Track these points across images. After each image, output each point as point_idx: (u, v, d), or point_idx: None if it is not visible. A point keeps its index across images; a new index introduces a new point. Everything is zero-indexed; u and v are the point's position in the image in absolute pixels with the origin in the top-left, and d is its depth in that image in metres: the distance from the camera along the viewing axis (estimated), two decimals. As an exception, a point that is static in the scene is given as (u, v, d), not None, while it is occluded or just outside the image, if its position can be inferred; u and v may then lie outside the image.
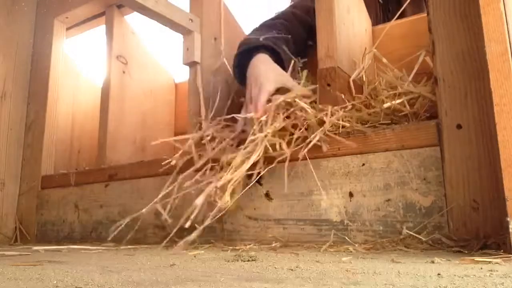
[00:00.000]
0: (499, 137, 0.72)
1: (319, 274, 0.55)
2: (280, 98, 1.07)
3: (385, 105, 1.04)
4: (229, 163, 1.02)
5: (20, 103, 1.80)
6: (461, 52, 0.90)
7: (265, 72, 1.13)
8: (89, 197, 1.53)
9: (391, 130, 0.96)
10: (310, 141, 0.99)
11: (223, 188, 0.98)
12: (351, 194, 0.98)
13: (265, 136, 1.01)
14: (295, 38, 1.38)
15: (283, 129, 1.06)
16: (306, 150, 1.00)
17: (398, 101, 1.05)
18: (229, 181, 0.98)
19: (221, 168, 1.06)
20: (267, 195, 1.11)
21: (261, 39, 1.26)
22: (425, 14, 1.14)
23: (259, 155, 1.00)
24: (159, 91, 1.94)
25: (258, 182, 1.11)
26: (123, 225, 1.03)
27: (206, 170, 1.10)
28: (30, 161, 1.76)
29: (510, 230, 0.69)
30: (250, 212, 1.13)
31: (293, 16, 1.47)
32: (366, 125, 1.03)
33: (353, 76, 1.22)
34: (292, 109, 1.07)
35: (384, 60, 1.22)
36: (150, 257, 0.84)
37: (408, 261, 0.68)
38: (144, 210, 1.03)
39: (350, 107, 1.09)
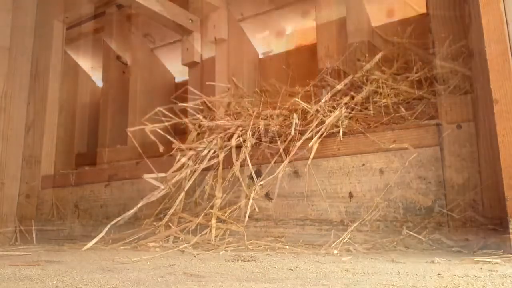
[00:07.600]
0: (499, 137, 0.72)
1: (319, 274, 0.55)
2: None
3: (384, 101, 1.04)
4: None
5: (20, 103, 1.80)
6: (460, 52, 0.90)
7: None
8: (89, 197, 1.53)
9: (391, 130, 0.96)
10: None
11: None
12: (351, 194, 0.98)
13: None
14: None
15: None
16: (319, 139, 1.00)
17: (395, 99, 1.05)
18: None
19: None
20: (267, 195, 1.11)
21: None
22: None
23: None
24: (159, 91, 1.94)
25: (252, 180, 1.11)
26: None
27: None
28: (30, 161, 1.76)
29: (510, 230, 0.69)
30: (250, 212, 1.12)
31: None
32: (366, 125, 1.03)
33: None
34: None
35: (379, 63, 1.21)
36: (150, 257, 0.84)
37: (408, 261, 0.67)
38: (139, 205, 1.05)
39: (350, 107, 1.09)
